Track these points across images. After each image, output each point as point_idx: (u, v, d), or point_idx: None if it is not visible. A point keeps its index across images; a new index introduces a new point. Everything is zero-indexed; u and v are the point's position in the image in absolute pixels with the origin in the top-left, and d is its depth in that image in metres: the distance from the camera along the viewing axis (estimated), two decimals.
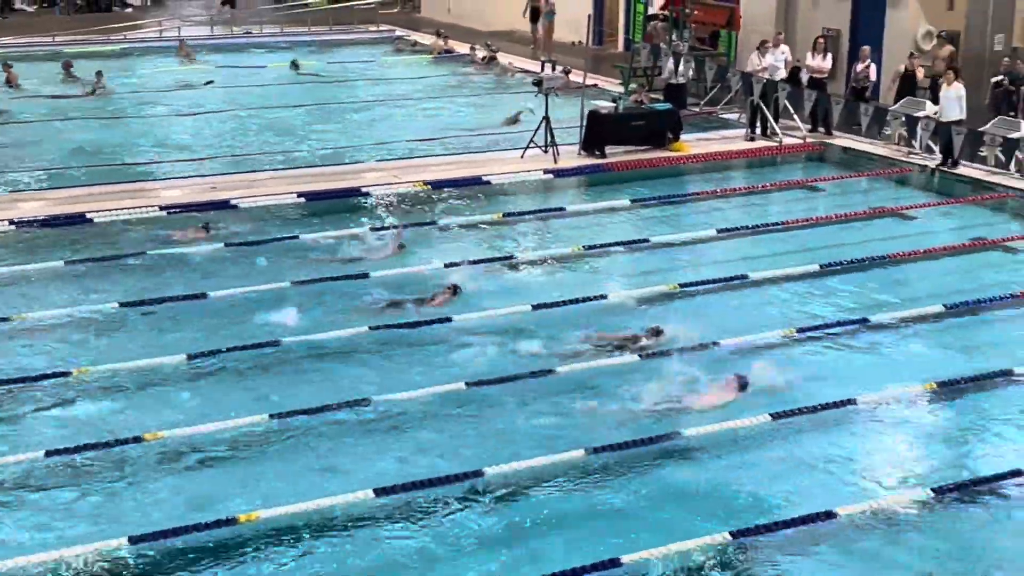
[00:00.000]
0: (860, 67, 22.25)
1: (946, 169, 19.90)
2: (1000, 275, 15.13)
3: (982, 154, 19.78)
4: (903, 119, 20.81)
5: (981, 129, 20.06)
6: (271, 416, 10.46)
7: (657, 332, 12.37)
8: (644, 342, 12.20)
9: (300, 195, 17.51)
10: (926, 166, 20.15)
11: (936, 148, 20.24)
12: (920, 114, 20.90)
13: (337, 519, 9.02)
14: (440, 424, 10.60)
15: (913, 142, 20.75)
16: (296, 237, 15.73)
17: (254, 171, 19.19)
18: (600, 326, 12.60)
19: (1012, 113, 20.81)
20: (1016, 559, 8.95)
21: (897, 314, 13.49)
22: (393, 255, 15.06)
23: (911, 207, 18.05)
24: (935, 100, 20.99)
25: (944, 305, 13.81)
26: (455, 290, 13.44)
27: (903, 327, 13.16)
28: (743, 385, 11.18)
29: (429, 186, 18.44)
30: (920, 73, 22.13)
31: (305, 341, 12.11)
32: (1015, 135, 19.71)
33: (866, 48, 22.64)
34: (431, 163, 19.73)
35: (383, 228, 15.99)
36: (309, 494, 9.17)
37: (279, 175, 18.84)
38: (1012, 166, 19.48)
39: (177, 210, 16.78)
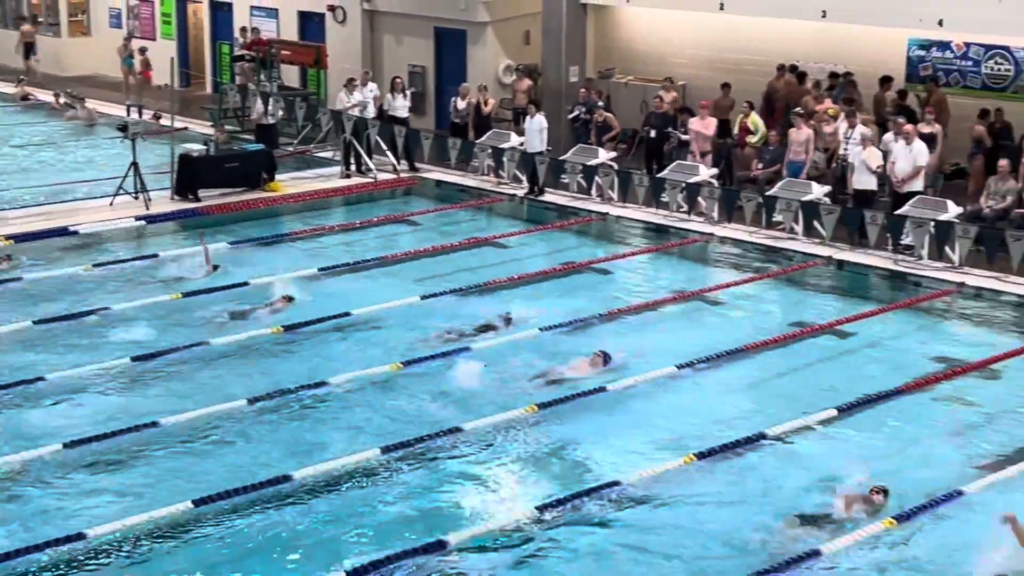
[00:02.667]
0: (462, 103, 22.76)
1: (533, 197, 20.67)
2: (591, 293, 15.86)
3: (565, 181, 20.64)
4: (489, 151, 21.40)
5: (562, 158, 20.97)
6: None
7: (508, 320, 13.93)
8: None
9: None
10: (515, 195, 20.89)
11: (523, 177, 20.98)
12: (506, 146, 21.59)
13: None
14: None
15: (501, 173, 21.43)
16: None
17: None
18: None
19: (589, 141, 21.72)
20: None
21: (503, 338, 13.97)
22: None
23: (504, 235, 18.62)
24: (520, 132, 21.77)
25: (539, 328, 14.41)
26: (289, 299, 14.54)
27: (506, 347, 13.65)
28: (606, 359, 12.72)
29: (12, 241, 17.44)
30: (488, 106, 22.80)
31: None
32: (594, 161, 20.70)
33: (467, 85, 23.31)
34: (12, 216, 18.76)
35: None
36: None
37: None
38: (593, 191, 20.48)
39: None
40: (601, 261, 17.49)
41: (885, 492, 10.30)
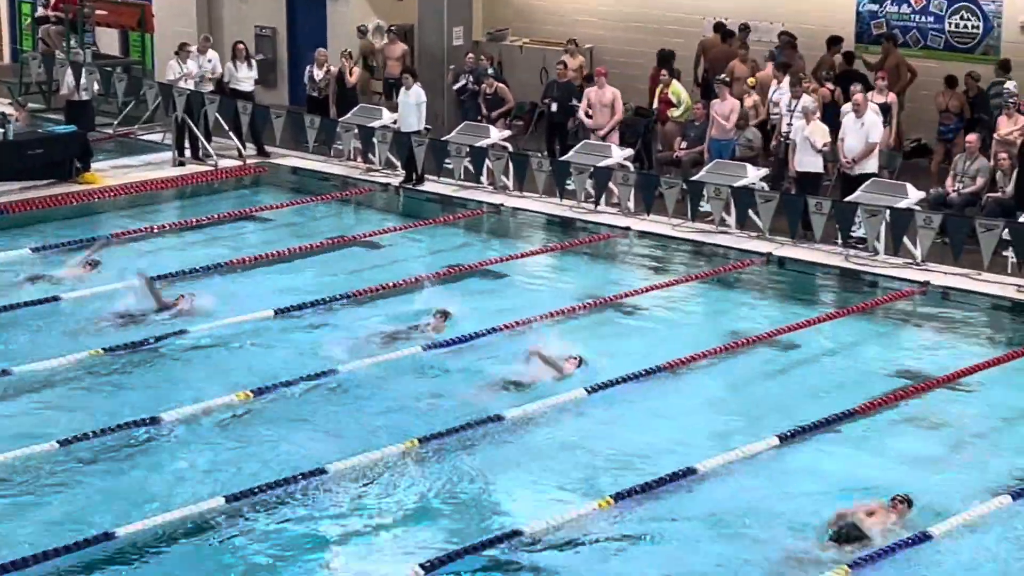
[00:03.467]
0: (320, 73, 22.76)
1: (411, 186, 20.74)
2: (482, 302, 15.90)
3: (449, 166, 20.71)
4: (356, 131, 21.32)
5: (446, 138, 20.99)
6: None
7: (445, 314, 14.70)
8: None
9: None
10: (388, 184, 20.96)
11: (398, 163, 21.06)
12: (376, 124, 21.57)
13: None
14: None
15: (371, 157, 21.48)
16: None
17: None
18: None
19: (478, 117, 21.75)
20: None
21: (371, 359, 14.07)
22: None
23: (376, 233, 18.64)
24: (393, 108, 21.80)
25: (422, 346, 14.48)
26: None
27: (379, 369, 13.88)
28: (580, 362, 13.59)
29: None
30: (352, 76, 22.83)
31: None
32: (484, 142, 20.75)
33: (325, 51, 23.25)
34: None
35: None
36: None
37: None
38: (483, 178, 20.57)
39: None
40: (494, 263, 17.56)
41: (909, 503, 10.81)
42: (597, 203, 19.53)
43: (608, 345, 14.67)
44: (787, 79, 19.89)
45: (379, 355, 14.11)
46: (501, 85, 22.18)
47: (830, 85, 20.35)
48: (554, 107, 21.35)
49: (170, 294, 15.40)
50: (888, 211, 17.34)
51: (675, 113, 21.16)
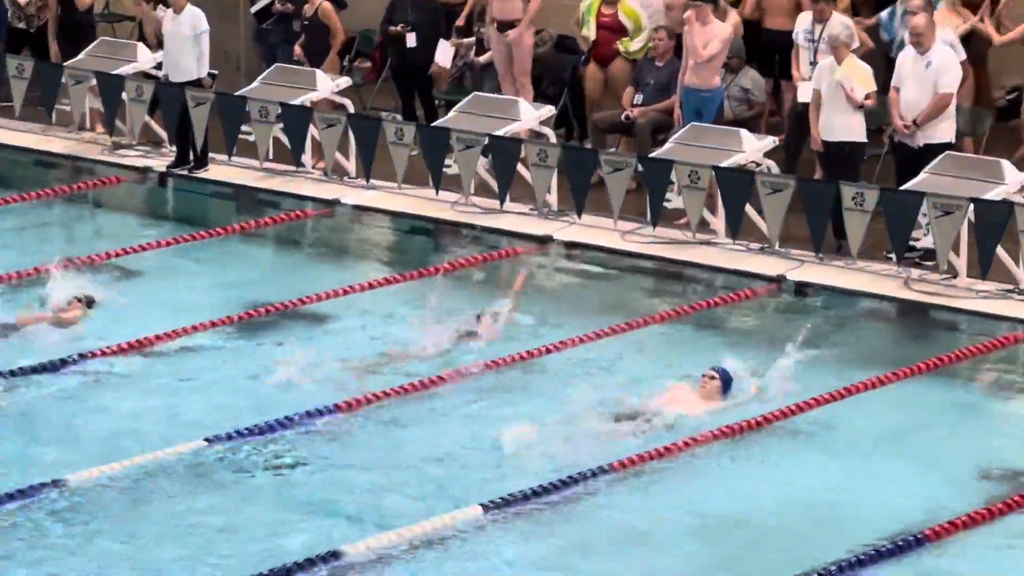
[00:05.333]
0: None
1: (188, 171, 21.01)
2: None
3: (249, 139, 21.02)
4: (93, 82, 21.62)
5: (243, 92, 21.26)
6: None
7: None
8: None
9: None
10: (148, 169, 21.19)
11: (165, 134, 21.46)
12: (128, 70, 21.69)
13: None
14: None
15: (120, 125, 21.65)
16: None
17: None
18: None
19: (295, 57, 22.02)
20: None
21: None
22: None
23: (126, 252, 18.81)
24: (154, 44, 22.08)
25: None
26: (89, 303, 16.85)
27: None
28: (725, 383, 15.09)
29: None
30: None
31: None
32: (302, 99, 20.88)
33: None
34: None
35: None
36: None
37: None
38: (307, 158, 20.77)
39: None
40: (314, 301, 17.62)
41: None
42: (503, 201, 19.53)
43: (512, 409, 14.98)
44: None
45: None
46: (326, 3, 21.96)
47: None
48: (411, 38, 21.29)
49: None
50: (972, 206, 17.28)
51: (628, 47, 21.01)
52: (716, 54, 19.66)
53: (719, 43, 19.62)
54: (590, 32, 21.19)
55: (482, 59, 21.47)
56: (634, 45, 21.01)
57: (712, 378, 14.92)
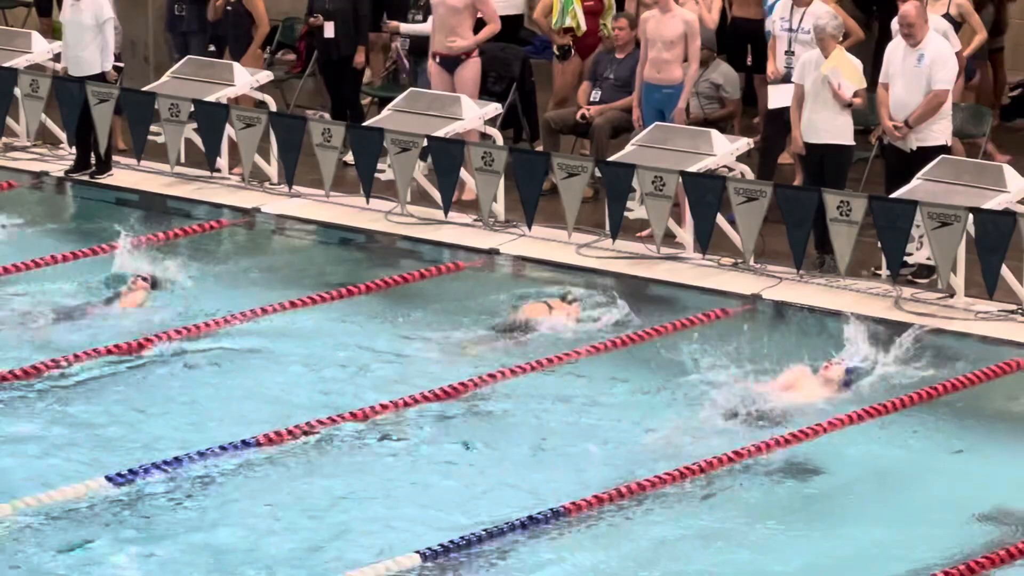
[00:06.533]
0: None
1: (91, 175, 20.78)
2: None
3: (159, 139, 20.75)
4: None
5: (151, 87, 21.01)
6: None
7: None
8: None
9: None
10: (44, 174, 21.00)
11: (63, 135, 21.14)
12: (19, 63, 21.53)
13: None
14: None
15: (12, 124, 21.57)
16: None
17: None
18: None
19: (208, 47, 22.00)
20: None
21: None
22: None
23: (17, 269, 18.54)
24: (49, 31, 22.87)
25: None
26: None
27: None
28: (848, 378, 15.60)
29: None
30: None
31: None
32: (217, 95, 20.61)
33: None
34: None
35: None
36: None
37: None
38: (223, 160, 20.61)
39: None
40: (220, 325, 17.23)
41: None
42: (447, 210, 19.32)
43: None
44: None
45: None
46: None
47: None
48: (328, 28, 20.97)
49: None
50: (971, 216, 17.12)
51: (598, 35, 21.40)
52: (675, 39, 19.35)
53: (682, 26, 19.33)
54: (580, 23, 20.93)
55: None
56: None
57: None
